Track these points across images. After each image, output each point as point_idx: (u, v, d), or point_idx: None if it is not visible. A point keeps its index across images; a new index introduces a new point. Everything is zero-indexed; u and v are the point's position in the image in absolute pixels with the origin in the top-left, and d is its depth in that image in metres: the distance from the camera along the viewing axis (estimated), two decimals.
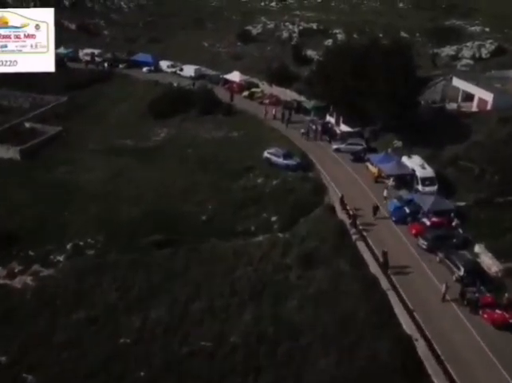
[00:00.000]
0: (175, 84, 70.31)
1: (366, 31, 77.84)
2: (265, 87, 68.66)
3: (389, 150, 49.29)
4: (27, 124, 61.20)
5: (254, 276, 34.96)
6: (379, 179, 45.69)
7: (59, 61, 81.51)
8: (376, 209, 40.08)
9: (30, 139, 57.01)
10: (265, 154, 49.08)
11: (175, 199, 45.13)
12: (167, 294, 34.26)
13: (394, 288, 32.83)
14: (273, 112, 59.89)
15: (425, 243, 36.64)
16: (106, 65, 79.56)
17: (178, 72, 75.68)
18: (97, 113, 64.21)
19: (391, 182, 44.63)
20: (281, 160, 47.92)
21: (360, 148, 50.65)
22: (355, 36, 77.23)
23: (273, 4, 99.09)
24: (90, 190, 47.22)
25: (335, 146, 51.95)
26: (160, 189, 46.68)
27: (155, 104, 61.95)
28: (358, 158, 49.52)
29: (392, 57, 49.54)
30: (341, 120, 56.09)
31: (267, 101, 64.58)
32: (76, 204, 45.23)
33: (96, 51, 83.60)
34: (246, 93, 67.25)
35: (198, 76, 73.82)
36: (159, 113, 61.05)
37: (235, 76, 69.85)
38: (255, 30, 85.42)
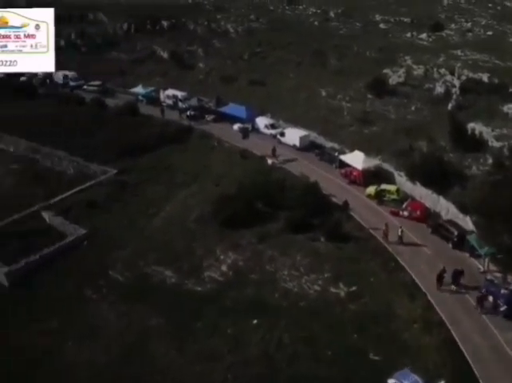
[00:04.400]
0: (270, 162, 48.27)
1: None
2: (403, 182, 43.45)
3: None
4: (45, 216, 42.51)
5: None
6: None
7: (132, 105, 63.27)
8: None
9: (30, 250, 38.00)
10: None
11: None
12: None
13: None
14: (400, 232, 35.84)
15: None
16: (188, 115, 59.86)
17: (278, 137, 53.48)
18: (146, 204, 43.78)
19: None
20: None
21: None
22: None
23: (424, 36, 72.50)
24: None
25: None
26: None
27: (225, 204, 39.78)
28: None
29: None
30: None
31: (405, 213, 39.75)
32: None
33: (181, 93, 64.29)
34: (371, 190, 42.88)
35: (304, 147, 51.43)
36: (227, 220, 38.90)
37: (357, 159, 45.51)
38: (395, 77, 59.72)
